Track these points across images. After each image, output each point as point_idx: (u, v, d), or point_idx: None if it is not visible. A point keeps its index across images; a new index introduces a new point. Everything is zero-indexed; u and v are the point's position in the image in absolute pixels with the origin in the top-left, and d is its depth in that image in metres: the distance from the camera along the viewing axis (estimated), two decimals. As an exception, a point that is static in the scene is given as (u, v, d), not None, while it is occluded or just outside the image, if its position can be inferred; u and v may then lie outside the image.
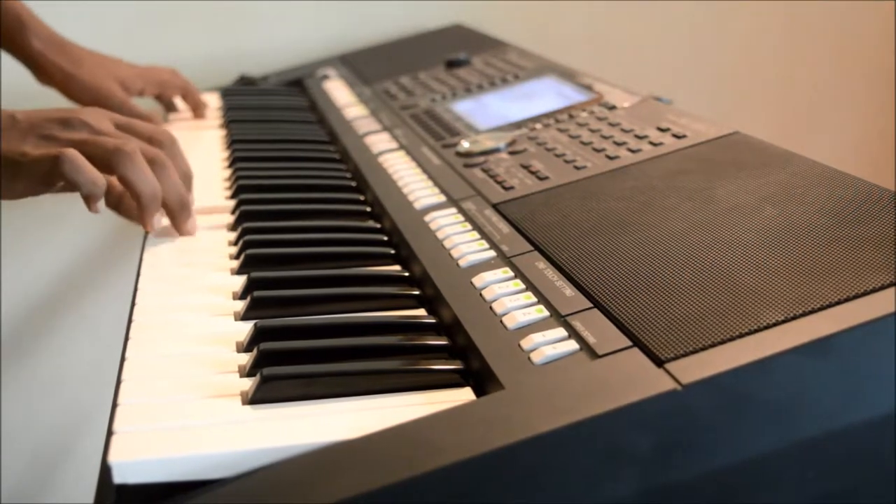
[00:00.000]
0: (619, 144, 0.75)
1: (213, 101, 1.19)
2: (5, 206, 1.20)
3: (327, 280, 0.65)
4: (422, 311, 0.61)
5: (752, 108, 1.60)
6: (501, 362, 0.50)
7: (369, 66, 1.25)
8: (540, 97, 0.94)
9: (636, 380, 0.45)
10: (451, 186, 0.76)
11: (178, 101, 1.15)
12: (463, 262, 0.62)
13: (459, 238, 0.66)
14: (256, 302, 0.60)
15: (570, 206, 0.66)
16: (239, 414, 0.49)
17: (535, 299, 0.55)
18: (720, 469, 0.44)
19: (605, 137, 0.78)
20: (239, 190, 0.83)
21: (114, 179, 0.70)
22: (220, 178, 0.89)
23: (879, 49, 1.63)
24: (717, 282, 0.51)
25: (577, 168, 0.73)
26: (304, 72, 1.29)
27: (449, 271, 0.62)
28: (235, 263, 0.69)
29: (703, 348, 0.46)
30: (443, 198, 0.75)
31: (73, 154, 0.66)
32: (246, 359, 0.54)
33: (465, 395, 0.51)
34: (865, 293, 0.47)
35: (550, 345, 0.50)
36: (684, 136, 0.74)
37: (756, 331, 0.46)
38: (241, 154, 0.94)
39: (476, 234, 0.66)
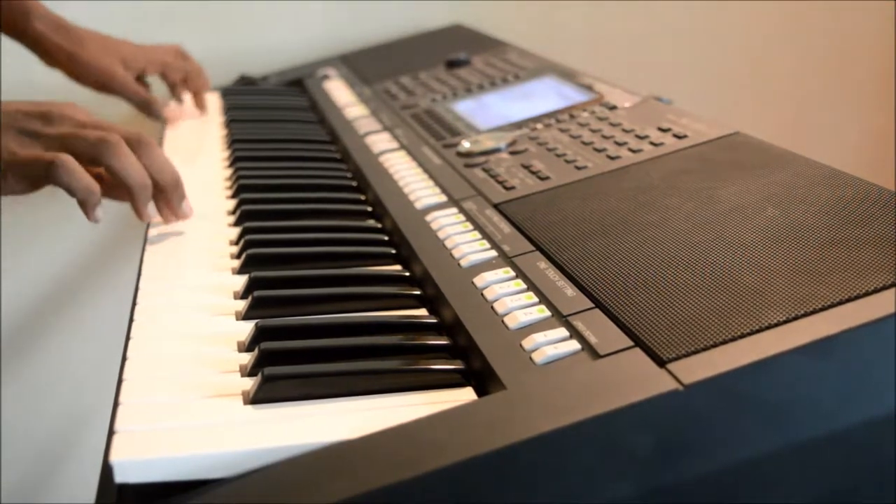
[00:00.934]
0: (619, 144, 0.75)
1: (213, 101, 1.19)
2: (5, 206, 1.20)
3: (328, 280, 0.65)
4: (423, 311, 0.61)
5: (752, 108, 1.60)
6: (503, 362, 0.50)
7: (370, 66, 1.25)
8: (540, 97, 0.94)
9: (638, 380, 0.45)
10: (452, 186, 0.76)
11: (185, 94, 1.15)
12: (464, 262, 0.62)
13: (460, 238, 0.66)
14: (257, 301, 0.60)
15: (571, 206, 0.66)
16: (240, 414, 0.49)
17: (536, 299, 0.55)
18: (721, 469, 0.45)
19: (605, 137, 0.78)
20: (240, 190, 0.83)
21: (102, 170, 0.70)
22: (220, 177, 0.89)
23: (879, 49, 1.63)
24: (719, 282, 0.51)
25: (578, 168, 0.73)
26: (305, 72, 1.29)
27: (450, 271, 0.62)
28: (236, 263, 0.69)
29: (705, 348, 0.46)
30: (444, 198, 0.75)
31: (67, 160, 0.66)
32: (247, 358, 0.54)
33: (466, 395, 0.51)
34: (866, 294, 0.47)
35: (552, 345, 0.50)
36: (685, 137, 0.74)
37: (757, 331, 0.46)
38: (242, 154, 0.94)
39: (477, 234, 0.66)
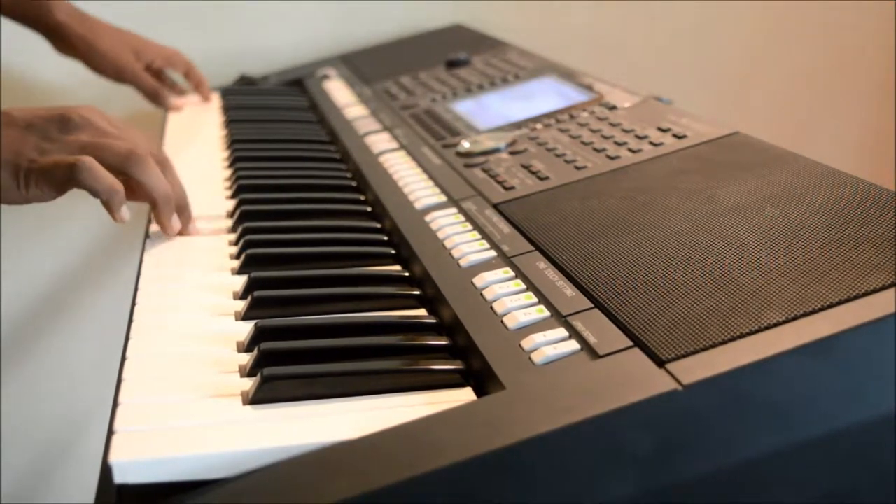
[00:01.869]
0: (619, 144, 0.75)
1: (213, 102, 1.19)
2: (5, 206, 1.20)
3: (328, 280, 0.65)
4: (422, 311, 0.61)
5: (752, 108, 1.60)
6: (502, 362, 0.50)
7: (369, 66, 1.25)
8: (540, 97, 0.94)
9: (637, 380, 0.45)
10: (452, 186, 0.76)
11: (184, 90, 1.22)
12: (463, 262, 0.62)
13: (460, 238, 0.66)
14: (257, 302, 0.60)
15: (570, 207, 0.66)
16: (239, 414, 0.49)
17: (535, 299, 0.55)
18: (721, 469, 0.45)
19: (605, 137, 0.78)
20: (239, 190, 0.83)
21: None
22: (220, 177, 0.89)
23: (879, 49, 1.63)
24: (718, 282, 0.51)
25: (577, 168, 0.73)
26: (305, 72, 1.29)
27: (449, 271, 0.62)
28: (236, 263, 0.69)
29: (704, 349, 0.46)
30: (443, 198, 0.75)
31: (90, 162, 0.66)
32: (246, 359, 0.54)
33: (465, 395, 0.51)
34: (866, 294, 0.47)
35: (551, 345, 0.50)
36: (685, 137, 0.74)
37: (757, 331, 0.46)
38: (242, 154, 0.94)
39: (477, 234, 0.66)
